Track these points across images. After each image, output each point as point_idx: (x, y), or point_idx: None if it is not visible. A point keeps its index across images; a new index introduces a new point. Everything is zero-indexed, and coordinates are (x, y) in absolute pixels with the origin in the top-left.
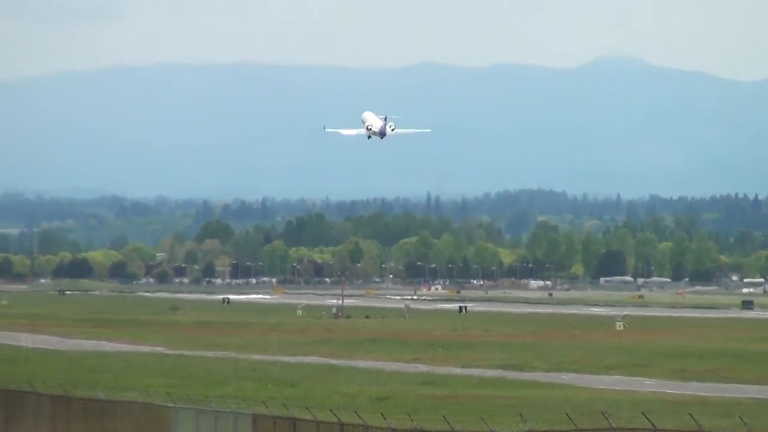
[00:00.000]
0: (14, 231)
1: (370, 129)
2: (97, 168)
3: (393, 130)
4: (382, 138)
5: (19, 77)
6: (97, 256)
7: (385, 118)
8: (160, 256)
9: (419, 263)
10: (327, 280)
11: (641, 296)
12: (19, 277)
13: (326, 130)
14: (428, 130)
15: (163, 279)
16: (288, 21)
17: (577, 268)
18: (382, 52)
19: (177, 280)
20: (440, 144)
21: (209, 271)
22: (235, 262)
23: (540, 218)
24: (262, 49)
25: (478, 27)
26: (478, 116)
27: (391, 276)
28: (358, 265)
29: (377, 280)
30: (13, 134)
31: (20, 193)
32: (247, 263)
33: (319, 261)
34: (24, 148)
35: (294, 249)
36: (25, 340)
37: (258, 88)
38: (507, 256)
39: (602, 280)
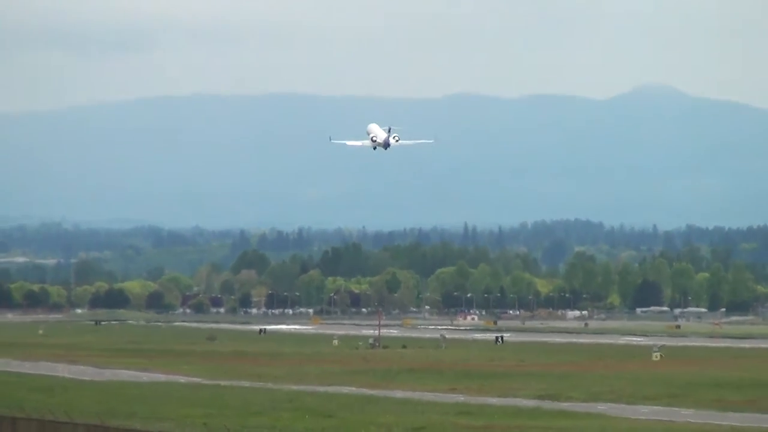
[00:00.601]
0: (51, 261)
1: (375, 140)
2: (133, 198)
3: (397, 141)
4: (386, 149)
5: (57, 108)
6: (133, 286)
7: (389, 130)
8: (196, 286)
9: (456, 293)
10: (364, 310)
11: (678, 326)
12: (56, 307)
13: (332, 141)
14: (431, 141)
15: (199, 309)
16: (324, 52)
17: (614, 299)
18: (419, 83)
19: (213, 310)
20: (477, 175)
21: (246, 302)
22: (271, 292)
23: (577, 248)
24: (298, 80)
25: (514, 58)
26: (514, 147)
27: (427, 306)
28: (395, 295)
29: (414, 310)
30: (50, 165)
31: (58, 223)
32: (284, 293)
33: (356, 291)
34: (61, 179)
35: (331, 279)
36: (62, 370)
37: (295, 118)
38: (544, 287)
39: (639, 310)
